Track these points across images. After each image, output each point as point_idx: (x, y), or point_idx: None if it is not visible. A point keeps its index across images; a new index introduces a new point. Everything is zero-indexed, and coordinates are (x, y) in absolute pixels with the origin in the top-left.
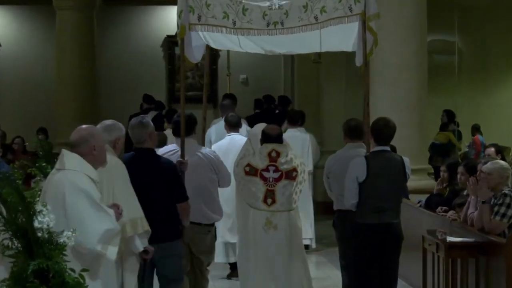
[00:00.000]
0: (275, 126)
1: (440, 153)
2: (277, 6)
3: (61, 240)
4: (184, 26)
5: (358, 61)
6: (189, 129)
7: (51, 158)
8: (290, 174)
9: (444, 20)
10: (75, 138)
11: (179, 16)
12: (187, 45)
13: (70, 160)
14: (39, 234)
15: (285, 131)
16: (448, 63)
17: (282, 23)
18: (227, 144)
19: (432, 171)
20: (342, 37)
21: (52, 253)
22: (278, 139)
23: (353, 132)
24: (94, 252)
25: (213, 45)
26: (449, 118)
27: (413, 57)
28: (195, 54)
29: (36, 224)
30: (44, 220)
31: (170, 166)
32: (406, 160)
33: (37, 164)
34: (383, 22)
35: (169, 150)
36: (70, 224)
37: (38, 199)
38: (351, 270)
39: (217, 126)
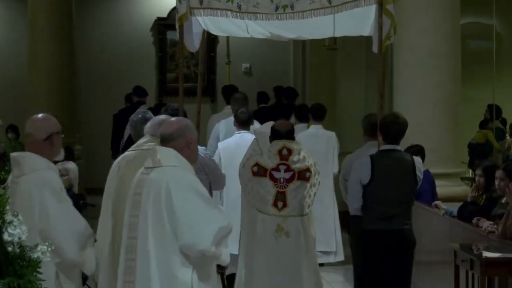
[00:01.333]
0: (285, 121)
1: (476, 154)
2: None
3: (35, 256)
4: (186, 12)
5: (375, 47)
6: None
7: None
8: (303, 175)
9: (479, 0)
10: (170, 131)
11: (179, 0)
12: (187, 32)
13: (166, 156)
14: (10, 249)
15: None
16: (485, 49)
17: (292, 7)
18: (236, 143)
19: (469, 175)
20: (357, 21)
21: (24, 270)
22: (289, 136)
23: (374, 129)
24: (209, 253)
25: (214, 32)
26: (493, 114)
27: (444, 43)
28: (194, 42)
29: (6, 237)
30: (15, 232)
31: None
32: (417, 160)
33: (6, 167)
34: (409, 2)
35: None
36: (180, 226)
37: (8, 207)
38: (363, 280)
39: (227, 121)
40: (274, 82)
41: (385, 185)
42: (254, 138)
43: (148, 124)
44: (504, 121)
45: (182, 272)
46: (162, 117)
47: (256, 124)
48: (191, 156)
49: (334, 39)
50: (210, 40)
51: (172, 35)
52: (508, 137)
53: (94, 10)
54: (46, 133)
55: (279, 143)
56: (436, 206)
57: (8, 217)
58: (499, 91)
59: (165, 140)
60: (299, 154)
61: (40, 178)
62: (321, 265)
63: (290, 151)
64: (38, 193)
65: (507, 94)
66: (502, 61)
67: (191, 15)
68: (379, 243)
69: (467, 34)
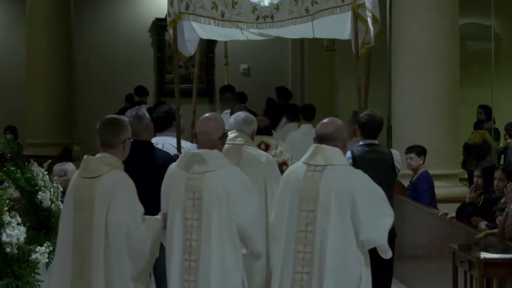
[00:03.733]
0: (262, 117)
1: (473, 155)
2: (267, 3)
3: (33, 257)
4: (177, 15)
5: (354, 51)
6: (167, 123)
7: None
8: (280, 168)
9: (478, 1)
10: (331, 131)
11: (171, 4)
12: (179, 35)
13: (334, 154)
14: (8, 250)
15: (282, 127)
16: (483, 50)
17: (272, 17)
18: None
19: (466, 176)
20: (336, 25)
21: (23, 271)
22: (267, 131)
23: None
24: (384, 247)
25: (203, 36)
26: (488, 114)
27: (442, 43)
28: (188, 47)
29: (4, 238)
30: (14, 233)
31: (168, 158)
32: (395, 152)
33: (4, 168)
34: (408, 3)
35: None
36: (361, 222)
37: (6, 208)
38: None
39: (225, 119)
40: (273, 83)
41: None
42: None
43: (233, 121)
44: (494, 121)
45: (358, 264)
46: (242, 114)
47: None
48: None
49: (332, 41)
50: (208, 41)
51: (172, 35)
52: (508, 139)
53: (92, 11)
54: (221, 132)
55: (257, 139)
56: (445, 214)
57: (6, 218)
58: (497, 91)
59: (324, 139)
60: (276, 148)
61: (233, 171)
62: None
63: (267, 146)
64: (232, 187)
65: (505, 95)
66: (500, 62)
67: (180, 19)
68: None
69: (465, 34)
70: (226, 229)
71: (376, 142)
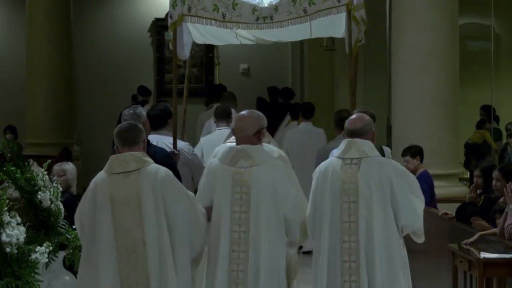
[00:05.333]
0: None
1: (474, 155)
2: (266, 5)
3: (33, 257)
4: (180, 17)
5: (347, 49)
6: (163, 121)
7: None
8: None
9: (478, 1)
10: (361, 126)
11: (173, 6)
12: (178, 38)
13: (367, 147)
14: (8, 250)
15: (286, 125)
16: (483, 50)
17: (271, 18)
18: (216, 139)
19: (467, 176)
20: (331, 25)
21: (23, 271)
22: None
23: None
24: (421, 231)
25: (199, 40)
26: (490, 114)
27: (442, 43)
28: (184, 50)
29: (3, 238)
30: (13, 233)
31: (165, 154)
32: (386, 149)
33: (4, 168)
34: (408, 3)
35: None
36: (400, 208)
37: (6, 208)
38: None
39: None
40: (272, 83)
41: None
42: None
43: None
44: (497, 119)
45: (401, 248)
46: (244, 112)
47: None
48: None
49: (332, 40)
50: None
51: (170, 36)
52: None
53: (92, 11)
54: (256, 128)
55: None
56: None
57: (6, 218)
58: (497, 91)
59: (355, 134)
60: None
61: (276, 165)
62: (309, 252)
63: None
64: (277, 180)
65: (505, 95)
66: (500, 61)
67: (183, 21)
68: None
69: (465, 34)
70: (273, 220)
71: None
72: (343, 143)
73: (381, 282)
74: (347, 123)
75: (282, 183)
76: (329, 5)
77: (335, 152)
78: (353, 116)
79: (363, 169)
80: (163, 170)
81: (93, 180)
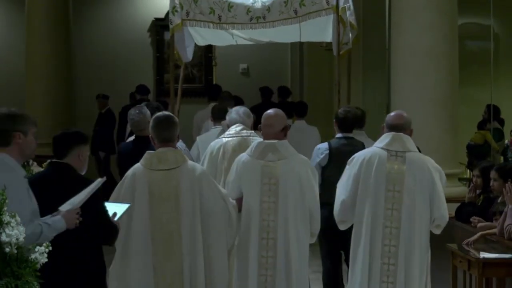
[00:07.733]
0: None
1: (474, 155)
2: (259, 5)
3: (33, 256)
4: (180, 22)
5: (334, 51)
6: None
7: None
8: None
9: (477, 1)
10: (403, 122)
11: (173, 12)
12: (180, 42)
13: (409, 142)
14: (7, 250)
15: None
16: (482, 50)
17: (264, 17)
18: (212, 137)
19: (468, 176)
20: (320, 28)
21: (22, 271)
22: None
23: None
24: (445, 224)
25: (200, 43)
26: (491, 114)
27: (441, 43)
28: (187, 52)
29: (3, 237)
30: (13, 233)
31: None
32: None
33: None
34: (407, 3)
35: None
36: (436, 201)
37: (5, 208)
38: (325, 259)
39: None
40: (272, 82)
41: (340, 167)
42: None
43: (236, 115)
44: (502, 122)
45: (428, 238)
46: (243, 108)
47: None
48: None
49: None
50: None
51: (169, 36)
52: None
53: (91, 10)
54: (282, 125)
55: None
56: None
57: (6, 217)
58: (496, 91)
59: (396, 129)
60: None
61: (302, 159)
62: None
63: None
64: (302, 172)
65: (504, 95)
66: (499, 61)
67: (183, 26)
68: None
69: (465, 34)
70: (300, 209)
71: (350, 135)
72: (387, 135)
73: (416, 264)
74: (388, 118)
75: (307, 176)
76: (318, 8)
77: (378, 143)
78: (394, 113)
79: (409, 162)
80: (199, 168)
81: (130, 173)
